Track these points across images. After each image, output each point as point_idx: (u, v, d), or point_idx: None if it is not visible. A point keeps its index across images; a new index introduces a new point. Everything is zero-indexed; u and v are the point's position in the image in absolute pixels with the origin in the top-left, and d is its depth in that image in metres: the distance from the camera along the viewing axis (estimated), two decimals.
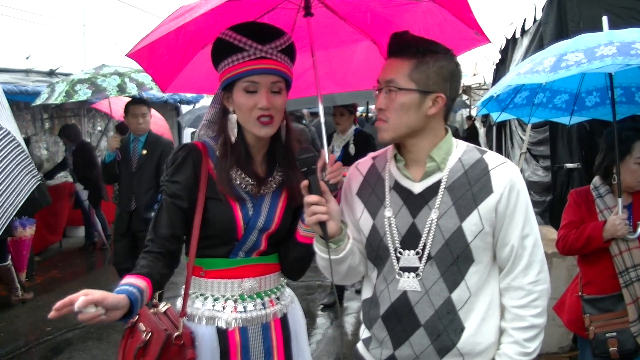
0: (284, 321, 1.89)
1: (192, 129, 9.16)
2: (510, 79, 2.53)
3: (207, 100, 9.32)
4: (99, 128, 9.41)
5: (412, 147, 1.61)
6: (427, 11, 1.93)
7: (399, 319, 1.58)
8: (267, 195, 1.83)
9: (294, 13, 1.99)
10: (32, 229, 6.31)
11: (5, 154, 2.98)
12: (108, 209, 7.72)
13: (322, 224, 1.55)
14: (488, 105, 3.08)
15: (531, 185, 5.22)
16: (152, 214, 4.70)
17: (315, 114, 9.70)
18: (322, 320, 5.21)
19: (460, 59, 1.71)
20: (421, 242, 1.56)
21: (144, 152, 4.73)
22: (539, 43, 4.63)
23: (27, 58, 7.99)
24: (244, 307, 1.81)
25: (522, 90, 3.02)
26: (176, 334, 1.70)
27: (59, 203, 7.70)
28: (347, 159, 4.78)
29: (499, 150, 7.34)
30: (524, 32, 5.77)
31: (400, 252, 1.59)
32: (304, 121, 8.43)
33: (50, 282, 6.72)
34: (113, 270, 5.18)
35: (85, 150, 7.79)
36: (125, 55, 1.77)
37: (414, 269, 1.57)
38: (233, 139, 1.78)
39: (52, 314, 1.40)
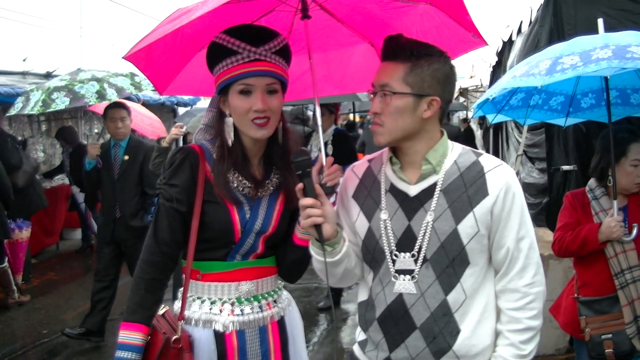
0: (281, 324, 1.89)
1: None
2: (505, 82, 2.54)
3: (204, 103, 9.32)
4: (96, 130, 9.37)
5: (408, 150, 1.61)
6: (425, 14, 1.93)
7: (395, 322, 1.59)
8: (265, 197, 1.83)
9: (291, 16, 1.99)
10: (28, 231, 6.30)
11: None
12: None
13: (317, 227, 1.56)
14: (484, 108, 3.08)
15: (526, 187, 5.23)
16: (138, 222, 4.58)
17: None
18: (319, 322, 5.21)
19: (457, 61, 1.72)
20: (417, 244, 1.56)
21: (126, 157, 4.60)
22: (532, 44, 4.65)
23: (24, 60, 7.99)
24: (241, 310, 1.81)
25: (517, 92, 3.03)
26: (174, 337, 1.71)
27: (56, 205, 7.69)
28: None
29: (495, 152, 7.35)
30: (520, 34, 5.80)
31: (396, 255, 1.59)
32: (310, 123, 8.43)
33: (47, 285, 6.70)
34: None
35: (82, 153, 7.75)
36: (122, 57, 1.77)
37: (409, 272, 1.57)
38: (230, 142, 1.78)
39: None
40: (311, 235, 1.61)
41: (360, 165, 1.76)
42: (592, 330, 2.63)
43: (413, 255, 1.57)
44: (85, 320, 4.68)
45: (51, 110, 4.59)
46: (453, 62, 1.65)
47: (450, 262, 1.54)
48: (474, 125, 13.07)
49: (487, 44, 1.97)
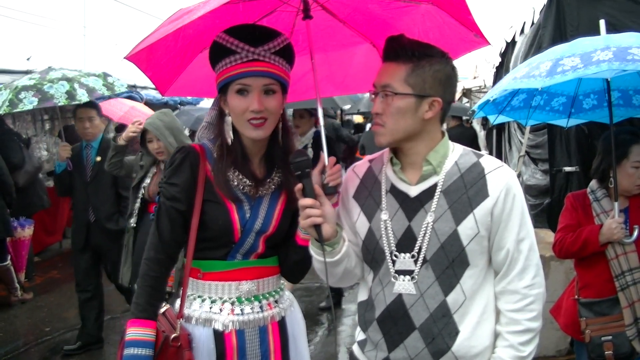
0: (281, 324, 1.89)
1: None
2: (506, 83, 2.54)
3: (207, 102, 9.32)
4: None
5: (409, 151, 1.61)
6: (426, 14, 1.93)
7: (394, 322, 1.59)
8: (266, 197, 1.83)
9: (293, 16, 1.99)
10: (30, 230, 6.32)
11: None
12: None
13: (317, 227, 1.56)
14: (485, 108, 3.08)
15: (528, 189, 5.22)
16: (114, 225, 4.33)
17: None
18: (320, 322, 5.21)
19: (461, 61, 1.72)
20: (417, 245, 1.57)
21: (98, 158, 4.38)
22: (535, 45, 4.64)
23: (27, 59, 7.99)
24: (241, 310, 1.81)
25: (519, 93, 3.03)
26: (173, 335, 1.72)
27: (59, 204, 7.70)
28: None
29: (498, 153, 7.34)
30: (522, 35, 5.78)
31: (395, 255, 1.60)
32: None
33: (49, 283, 6.72)
34: None
35: None
36: (124, 58, 1.78)
37: (409, 272, 1.58)
38: (229, 141, 1.78)
39: None
40: (311, 235, 1.62)
41: (361, 166, 1.76)
42: (592, 331, 2.63)
43: (413, 256, 1.57)
44: (80, 334, 4.58)
45: (19, 110, 4.36)
46: (456, 62, 1.66)
47: (450, 263, 1.55)
48: (477, 126, 13.04)
49: (490, 44, 1.97)
